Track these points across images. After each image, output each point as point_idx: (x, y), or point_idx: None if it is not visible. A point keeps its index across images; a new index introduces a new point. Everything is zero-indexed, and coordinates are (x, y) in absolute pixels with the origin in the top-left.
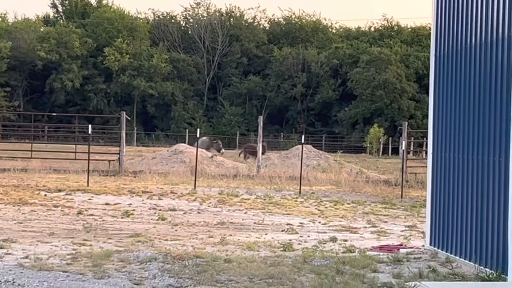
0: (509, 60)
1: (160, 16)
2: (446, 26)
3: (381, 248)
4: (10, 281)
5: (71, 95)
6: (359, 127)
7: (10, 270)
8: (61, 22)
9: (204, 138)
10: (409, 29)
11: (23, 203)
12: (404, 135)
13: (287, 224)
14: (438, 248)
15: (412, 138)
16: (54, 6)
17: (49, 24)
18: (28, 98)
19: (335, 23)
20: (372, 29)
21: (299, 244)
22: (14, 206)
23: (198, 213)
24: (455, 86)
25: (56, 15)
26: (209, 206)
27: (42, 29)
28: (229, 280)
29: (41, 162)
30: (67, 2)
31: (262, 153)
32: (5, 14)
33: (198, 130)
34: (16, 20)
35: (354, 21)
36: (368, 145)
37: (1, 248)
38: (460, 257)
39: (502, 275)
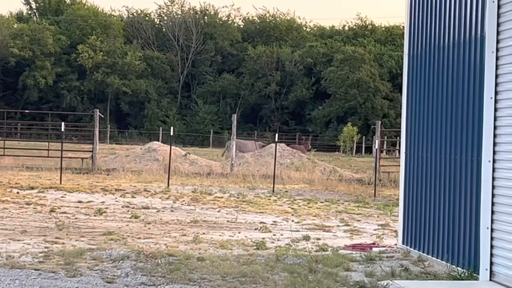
0: (482, 60)
1: (134, 14)
2: (419, 25)
3: (354, 246)
4: None
5: (44, 92)
6: (332, 126)
7: None
8: (35, 19)
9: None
10: (383, 28)
11: None
12: (377, 134)
13: (261, 222)
14: (410, 247)
15: (386, 137)
16: (27, 3)
17: (23, 21)
18: (0, 95)
19: (309, 22)
20: (346, 28)
21: (272, 242)
22: None
23: (171, 211)
24: (428, 85)
25: (29, 12)
26: (182, 204)
27: (15, 26)
28: (202, 278)
29: (14, 160)
30: None
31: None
32: None
33: (172, 128)
34: None
35: (328, 20)
36: (342, 143)
37: None
38: (432, 256)
39: (474, 274)
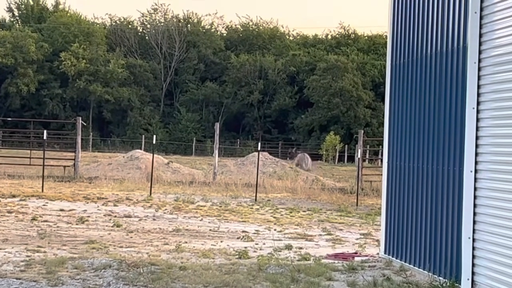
0: (464, 71)
1: (117, 22)
2: (402, 35)
3: (336, 256)
4: None
5: (27, 100)
6: (315, 135)
7: None
8: (17, 26)
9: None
10: (366, 37)
11: None
12: (360, 143)
13: (243, 231)
14: (392, 257)
15: (368, 146)
16: (10, 10)
17: (5, 28)
18: None
19: (293, 31)
20: (329, 37)
21: (255, 251)
22: None
23: (154, 220)
24: (411, 95)
25: (12, 19)
26: (164, 213)
27: None
28: (184, 287)
29: None
30: (23, 6)
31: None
32: None
33: (155, 136)
34: None
35: (311, 29)
36: (324, 152)
37: None
38: (414, 266)
39: (456, 284)
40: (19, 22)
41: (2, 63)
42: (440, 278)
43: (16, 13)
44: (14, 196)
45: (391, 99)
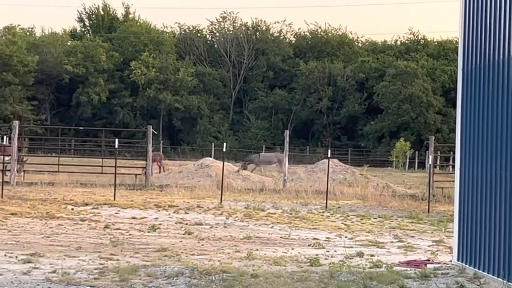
0: None
1: (186, 30)
2: (474, 41)
3: (408, 263)
4: None
5: (98, 109)
6: (385, 141)
7: (38, 285)
8: (88, 36)
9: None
10: (436, 43)
11: (50, 217)
12: (430, 149)
13: (314, 238)
14: (465, 264)
15: (439, 152)
16: (81, 20)
17: (76, 38)
18: (55, 111)
19: (361, 37)
20: (398, 42)
21: (326, 259)
22: (41, 220)
23: (225, 227)
24: (483, 101)
25: (83, 29)
26: (235, 220)
27: (69, 43)
28: None
29: (68, 176)
30: (94, 16)
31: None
32: (32, 29)
33: (225, 144)
34: (43, 34)
35: (380, 35)
36: (394, 159)
37: (29, 262)
38: (488, 273)
39: None
40: (90, 32)
41: (73, 72)
42: None
43: (87, 23)
44: (86, 205)
45: (463, 104)
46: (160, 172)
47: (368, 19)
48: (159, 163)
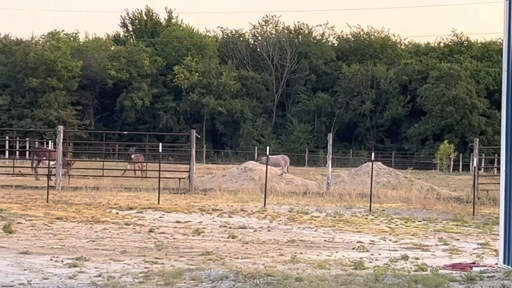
0: None
1: (229, 34)
2: None
3: (453, 266)
4: None
5: (141, 113)
6: (429, 144)
7: None
8: (131, 41)
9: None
10: (479, 44)
11: (95, 221)
12: (475, 152)
13: (358, 242)
14: None
15: (483, 154)
16: (124, 25)
17: (119, 43)
18: (99, 116)
19: (404, 39)
20: (442, 44)
21: (370, 262)
22: (86, 224)
23: (268, 231)
24: None
25: (126, 34)
26: (279, 223)
27: (112, 48)
28: None
29: (112, 180)
30: (137, 21)
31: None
32: (76, 34)
33: (268, 147)
34: (87, 40)
35: (423, 37)
36: (438, 161)
37: (75, 266)
38: None
39: None
40: (133, 37)
41: (117, 77)
42: None
43: (130, 28)
44: (131, 209)
45: (508, 106)
46: (135, 174)
47: (411, 21)
48: (139, 165)
